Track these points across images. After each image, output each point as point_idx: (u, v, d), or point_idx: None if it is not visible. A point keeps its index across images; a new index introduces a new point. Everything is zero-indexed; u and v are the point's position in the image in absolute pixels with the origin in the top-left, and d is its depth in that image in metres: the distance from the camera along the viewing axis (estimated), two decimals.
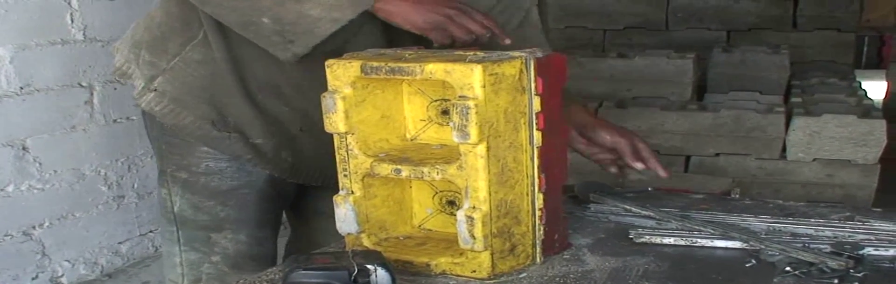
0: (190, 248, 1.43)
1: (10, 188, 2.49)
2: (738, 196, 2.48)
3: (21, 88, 2.46)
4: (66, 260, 2.72)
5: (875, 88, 4.01)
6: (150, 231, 3.03)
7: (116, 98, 2.77)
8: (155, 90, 1.35)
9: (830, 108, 2.78)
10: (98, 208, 2.80)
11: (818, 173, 2.71)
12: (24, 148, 2.51)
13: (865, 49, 5.86)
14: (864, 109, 2.76)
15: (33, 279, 2.61)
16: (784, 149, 2.73)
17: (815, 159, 2.70)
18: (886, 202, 2.88)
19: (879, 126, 2.58)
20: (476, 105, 1.00)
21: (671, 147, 2.86)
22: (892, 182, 2.97)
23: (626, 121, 2.88)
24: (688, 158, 2.86)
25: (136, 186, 2.93)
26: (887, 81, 4.06)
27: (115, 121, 2.79)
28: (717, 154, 2.81)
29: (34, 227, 2.59)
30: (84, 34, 2.63)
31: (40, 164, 2.56)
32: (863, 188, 2.67)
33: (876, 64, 5.83)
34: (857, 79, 3.59)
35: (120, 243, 2.92)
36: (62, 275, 2.71)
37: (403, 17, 1.18)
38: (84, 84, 2.67)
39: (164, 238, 1.47)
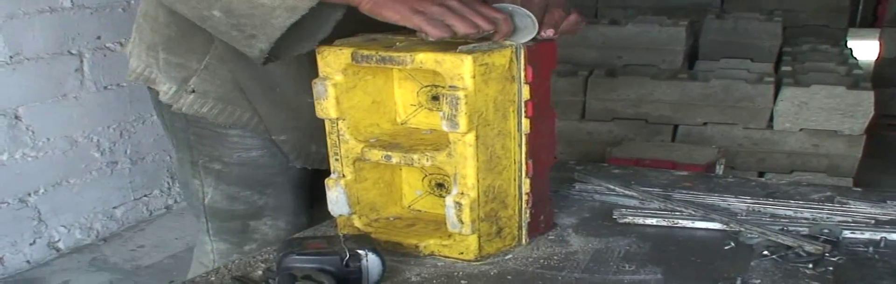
0: (219, 239, 1.42)
1: (4, 157, 2.51)
2: (722, 168, 2.52)
3: (11, 57, 2.45)
4: (62, 226, 2.76)
5: (867, 49, 3.98)
6: (144, 196, 3.07)
7: (106, 65, 2.76)
8: (193, 92, 1.27)
9: (819, 78, 2.79)
10: (92, 174, 2.83)
11: (804, 143, 2.74)
12: (16, 117, 2.52)
13: (860, 7, 5.82)
14: (854, 79, 2.78)
15: (31, 244, 2.66)
16: (771, 119, 2.75)
17: (801, 129, 2.72)
18: (871, 166, 2.93)
19: (867, 98, 2.60)
20: (466, 95, 1.02)
21: (660, 116, 2.88)
22: (878, 147, 3.01)
23: (616, 90, 2.90)
24: (675, 127, 2.88)
25: (128, 152, 2.95)
26: (880, 41, 4.03)
27: (105, 88, 2.79)
28: (705, 123, 2.84)
29: (29, 194, 2.62)
30: (72, 1, 2.60)
31: (33, 132, 2.58)
32: (847, 158, 2.71)
33: (871, 22, 5.80)
34: (850, 42, 3.59)
35: (114, 207, 2.96)
36: (59, 240, 2.75)
37: (393, 10, 1.01)
38: (74, 52, 2.66)
39: (197, 226, 1.46)
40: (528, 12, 1.07)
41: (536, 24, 1.07)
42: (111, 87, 2.81)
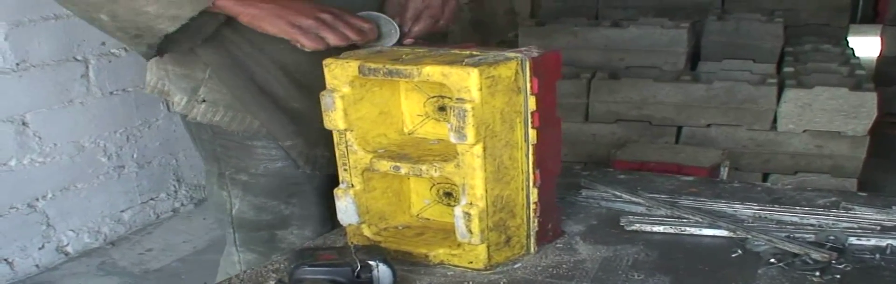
0: (247, 249, 1.44)
1: (12, 163, 2.52)
2: (726, 170, 2.53)
3: (17, 64, 2.46)
4: (71, 230, 2.77)
5: (868, 46, 3.96)
6: (151, 199, 3.08)
7: (112, 71, 2.77)
8: (204, 101, 1.30)
9: (822, 79, 2.80)
10: (99, 178, 2.84)
11: (808, 145, 2.74)
12: (23, 123, 2.53)
13: (860, 4, 5.82)
14: (856, 80, 2.78)
15: (40, 249, 2.67)
16: (775, 120, 2.76)
17: (805, 131, 2.73)
18: (875, 165, 2.93)
19: (870, 99, 2.60)
20: (473, 108, 1.03)
21: (663, 118, 2.88)
22: (881, 146, 3.01)
23: (619, 92, 2.90)
24: (679, 128, 2.88)
25: (135, 156, 2.96)
26: (881, 37, 4.01)
27: (111, 93, 2.80)
28: (709, 125, 2.84)
29: (38, 199, 2.63)
30: None
31: (40, 138, 2.59)
32: (851, 160, 2.71)
33: (871, 19, 5.78)
34: (851, 40, 3.59)
35: (122, 211, 2.97)
36: (68, 244, 2.77)
37: (271, 23, 1.11)
38: (79, 58, 2.67)
39: (226, 237, 1.48)
40: (391, 20, 1.20)
41: (398, 31, 1.20)
42: (117, 92, 2.82)
